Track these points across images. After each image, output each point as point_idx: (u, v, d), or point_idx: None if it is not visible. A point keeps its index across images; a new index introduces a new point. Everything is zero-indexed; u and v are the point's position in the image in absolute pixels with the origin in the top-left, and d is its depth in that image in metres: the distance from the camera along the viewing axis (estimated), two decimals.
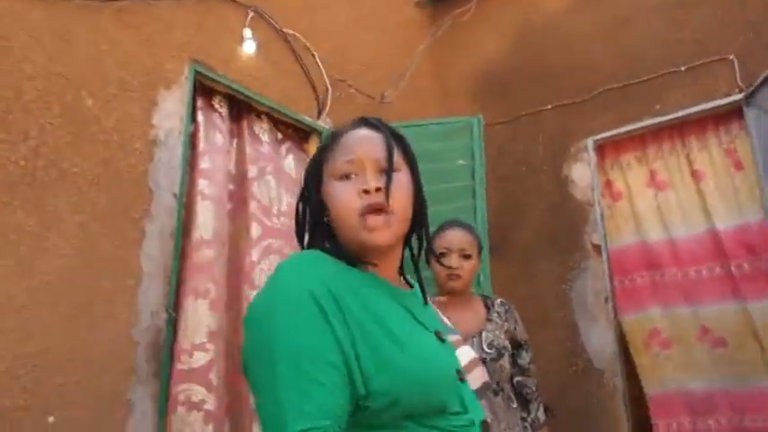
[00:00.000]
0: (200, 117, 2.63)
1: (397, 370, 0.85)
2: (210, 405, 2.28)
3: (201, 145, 2.61)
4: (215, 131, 2.72)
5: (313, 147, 3.23)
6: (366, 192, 0.95)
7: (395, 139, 1.04)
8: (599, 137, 3.34)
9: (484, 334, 2.06)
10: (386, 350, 0.86)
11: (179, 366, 2.29)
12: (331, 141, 1.05)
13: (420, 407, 0.87)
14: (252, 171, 2.82)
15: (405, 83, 3.64)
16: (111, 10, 2.34)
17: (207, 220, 2.51)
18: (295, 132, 3.20)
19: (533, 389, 2.15)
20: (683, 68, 3.12)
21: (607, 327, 3.15)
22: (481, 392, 1.02)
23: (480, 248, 2.22)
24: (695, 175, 3.25)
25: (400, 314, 0.95)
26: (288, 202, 2.94)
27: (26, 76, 2.06)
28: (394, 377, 0.84)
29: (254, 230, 2.73)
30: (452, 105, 3.72)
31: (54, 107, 2.11)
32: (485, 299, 2.24)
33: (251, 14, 2.88)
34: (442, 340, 1.01)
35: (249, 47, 2.82)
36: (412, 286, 1.09)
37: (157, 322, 2.30)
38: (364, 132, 1.03)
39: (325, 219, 1.00)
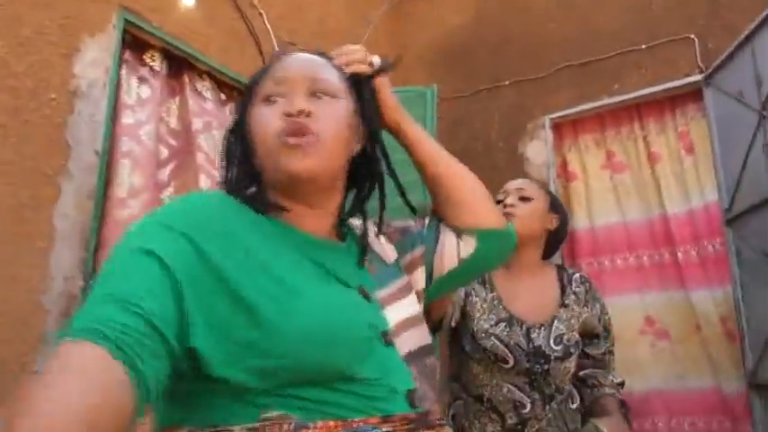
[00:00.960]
0: (123, 70, 2.42)
1: (289, 324, 0.70)
2: None
3: (124, 99, 2.41)
4: (143, 85, 2.53)
5: None
6: (289, 115, 0.82)
7: (339, 69, 0.93)
8: (556, 115, 3.25)
9: (554, 324, 1.63)
10: (273, 303, 0.71)
11: None
12: (265, 67, 0.92)
13: (317, 370, 0.71)
14: (197, 124, 2.67)
15: None
16: None
17: (124, 177, 2.34)
18: (239, 95, 3.01)
19: (602, 381, 1.71)
20: (643, 47, 3.04)
21: None
22: (414, 357, 0.84)
23: (556, 208, 1.78)
24: (652, 157, 3.20)
25: (303, 267, 0.80)
26: None
27: None
28: (285, 332, 0.70)
29: (203, 182, 2.61)
30: (408, 77, 3.57)
31: None
32: (560, 271, 1.78)
33: None
34: (367, 298, 0.85)
35: None
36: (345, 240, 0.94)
37: (71, 289, 2.11)
38: (302, 54, 0.92)
39: (251, 154, 0.87)
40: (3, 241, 1.95)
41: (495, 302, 1.67)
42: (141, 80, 2.52)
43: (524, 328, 1.62)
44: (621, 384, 1.75)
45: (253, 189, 0.86)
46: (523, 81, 3.34)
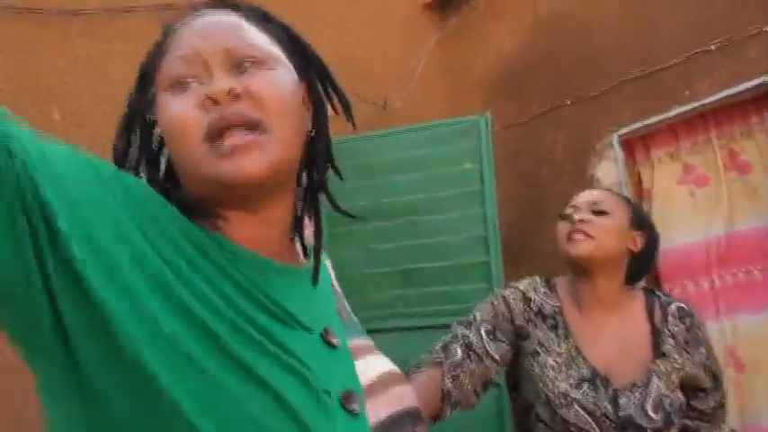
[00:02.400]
0: None
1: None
2: None
3: None
4: None
5: None
6: (213, 101, 0.59)
7: (265, 21, 0.69)
8: (624, 131, 3.04)
9: (654, 384, 1.29)
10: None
11: None
12: (164, 36, 0.68)
13: None
14: None
15: (411, 86, 3.45)
16: (80, 23, 2.25)
17: None
18: None
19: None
20: (713, 47, 2.81)
21: None
22: (397, 424, 0.62)
23: (638, 222, 1.48)
24: (739, 166, 2.91)
25: (247, 310, 0.56)
26: None
27: None
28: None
29: None
30: (463, 107, 3.48)
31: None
32: (649, 299, 1.44)
33: None
34: (331, 345, 0.62)
35: None
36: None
37: None
38: (209, 17, 0.66)
39: (159, 150, 0.68)
40: None
41: (574, 354, 1.35)
42: None
43: (611, 390, 1.30)
44: None
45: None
46: (586, 99, 3.17)
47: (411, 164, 2.79)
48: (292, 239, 0.74)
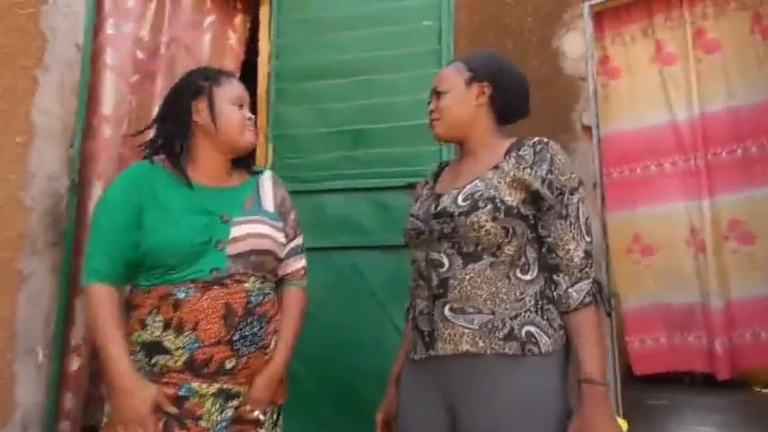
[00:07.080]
0: None
1: (150, 237, 1.38)
2: None
3: (107, 7, 2.26)
4: None
5: (265, 9, 2.83)
6: (249, 117, 1.57)
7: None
8: (596, 1, 2.87)
9: (472, 184, 1.42)
10: (152, 223, 1.39)
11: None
12: (214, 76, 1.57)
13: (159, 263, 1.38)
14: (165, 43, 2.49)
15: None
16: None
17: (109, 93, 2.26)
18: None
19: (558, 253, 1.38)
20: None
21: (593, 217, 2.78)
22: (243, 255, 1.44)
23: (474, 76, 1.53)
24: (710, 45, 2.79)
25: (180, 201, 1.44)
26: None
27: None
28: (147, 241, 1.38)
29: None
30: None
31: None
32: (517, 142, 1.48)
33: None
34: (222, 219, 1.45)
35: None
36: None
37: (57, 188, 2.02)
38: (239, 85, 1.62)
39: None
40: None
41: (428, 191, 1.62)
42: None
43: (436, 196, 1.52)
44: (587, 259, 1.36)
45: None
46: None
47: (365, 19, 2.61)
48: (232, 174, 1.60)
